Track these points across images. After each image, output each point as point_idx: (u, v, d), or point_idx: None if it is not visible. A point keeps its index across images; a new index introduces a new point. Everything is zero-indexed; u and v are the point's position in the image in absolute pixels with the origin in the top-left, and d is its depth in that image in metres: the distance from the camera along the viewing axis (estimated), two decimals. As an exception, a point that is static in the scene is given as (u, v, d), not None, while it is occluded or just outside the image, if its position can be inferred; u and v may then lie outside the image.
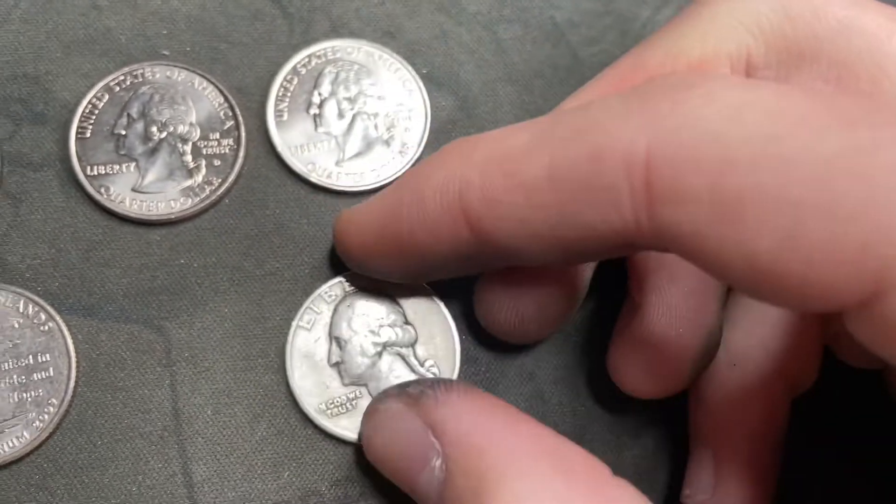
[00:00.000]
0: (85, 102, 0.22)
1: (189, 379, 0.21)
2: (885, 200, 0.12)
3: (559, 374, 0.23)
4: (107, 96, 0.22)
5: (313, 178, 0.22)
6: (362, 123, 0.23)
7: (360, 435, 0.20)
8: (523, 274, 0.19)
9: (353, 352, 0.21)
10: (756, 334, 0.20)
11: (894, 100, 0.17)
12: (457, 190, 0.17)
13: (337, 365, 0.21)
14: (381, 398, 0.19)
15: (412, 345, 0.21)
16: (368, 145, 0.23)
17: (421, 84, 0.24)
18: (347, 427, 0.20)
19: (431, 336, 0.21)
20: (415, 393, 0.18)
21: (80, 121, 0.22)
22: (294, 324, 0.21)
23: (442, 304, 0.21)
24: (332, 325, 0.21)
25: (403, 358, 0.21)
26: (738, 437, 0.19)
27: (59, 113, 0.22)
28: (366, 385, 0.21)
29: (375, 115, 0.23)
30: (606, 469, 0.16)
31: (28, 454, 0.20)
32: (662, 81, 0.15)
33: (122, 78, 0.22)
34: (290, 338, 0.21)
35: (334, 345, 0.21)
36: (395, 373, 0.21)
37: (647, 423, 0.23)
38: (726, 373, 0.20)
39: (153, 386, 0.21)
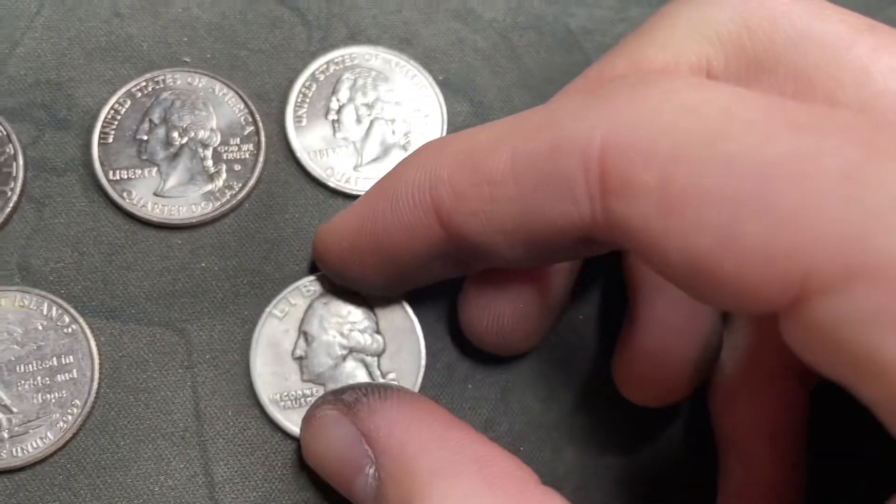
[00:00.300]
0: (107, 108, 0.22)
1: (210, 380, 0.21)
2: (818, 205, 0.12)
3: (574, 378, 0.23)
4: (129, 102, 0.23)
5: (332, 183, 0.23)
6: (380, 129, 0.23)
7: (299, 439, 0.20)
8: (500, 281, 0.20)
9: (319, 350, 0.21)
10: (756, 331, 0.20)
11: (848, 110, 0.16)
12: (427, 186, 0.17)
13: (300, 359, 0.21)
14: (318, 404, 0.19)
15: (378, 355, 0.21)
16: (386, 150, 0.23)
17: (437, 90, 0.24)
18: (296, 423, 0.20)
19: (399, 349, 0.21)
20: (349, 400, 0.18)
21: (103, 126, 0.22)
22: (267, 310, 0.21)
23: (416, 321, 0.22)
24: (303, 320, 0.21)
25: (367, 366, 0.21)
26: (760, 439, 0.19)
27: (82, 118, 0.23)
28: (324, 385, 0.21)
29: (393, 120, 0.24)
30: (534, 478, 0.16)
31: (52, 455, 0.20)
32: (624, 79, 0.16)
33: (143, 84, 0.23)
34: (259, 323, 0.21)
35: (302, 339, 0.21)
36: (355, 379, 0.21)
37: (663, 425, 0.23)
38: (735, 375, 0.20)
39: (175, 387, 0.21)
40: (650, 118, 0.14)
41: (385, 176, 0.19)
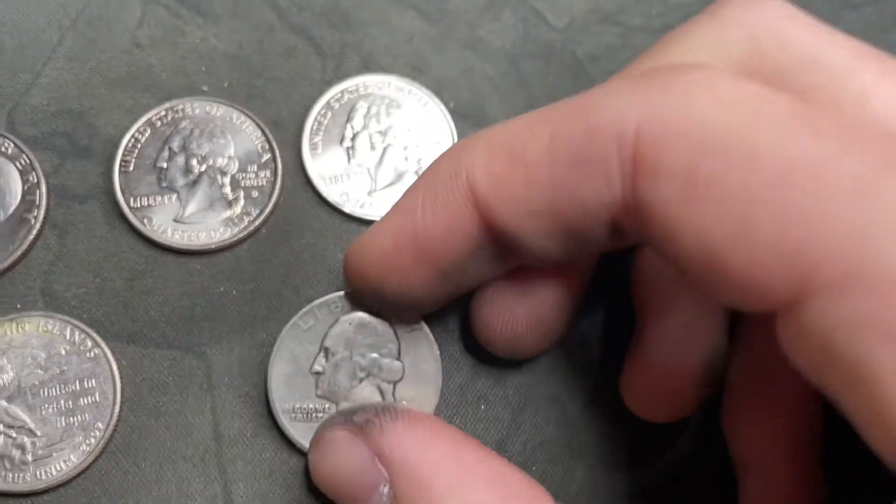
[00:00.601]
0: (128, 137, 0.23)
1: (229, 403, 0.22)
2: (828, 208, 0.13)
3: (583, 396, 0.23)
4: (149, 131, 0.23)
5: (347, 209, 0.23)
6: (393, 155, 0.24)
7: (308, 459, 0.20)
8: (514, 286, 0.20)
9: (338, 368, 0.21)
10: (762, 345, 0.21)
11: (869, 125, 0.17)
12: (464, 174, 0.17)
13: (317, 374, 0.21)
14: (328, 425, 0.19)
15: (395, 381, 0.22)
16: (399, 176, 0.24)
17: (448, 117, 0.25)
18: (304, 436, 0.21)
19: (418, 380, 0.22)
20: (360, 422, 0.18)
21: (124, 155, 0.23)
22: (293, 321, 0.22)
23: (438, 352, 0.22)
24: (326, 335, 0.22)
25: (382, 392, 0.22)
26: (775, 456, 0.20)
27: (103, 147, 0.23)
28: (337, 403, 0.21)
29: (405, 147, 0.24)
30: (548, 497, 0.17)
31: (75, 477, 0.20)
32: (660, 68, 0.16)
33: (163, 113, 0.23)
34: (282, 333, 0.21)
35: (322, 354, 0.21)
36: (369, 401, 0.21)
37: (672, 439, 0.23)
38: (744, 392, 0.21)
39: (195, 410, 0.21)
40: (684, 106, 0.15)
41: (420, 176, 0.19)
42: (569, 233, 0.17)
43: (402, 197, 0.19)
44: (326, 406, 0.21)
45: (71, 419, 0.21)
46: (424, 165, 0.24)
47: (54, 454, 0.20)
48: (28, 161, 0.23)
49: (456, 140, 0.24)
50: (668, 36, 0.20)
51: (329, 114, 0.24)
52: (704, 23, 0.19)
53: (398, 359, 0.22)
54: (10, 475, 0.20)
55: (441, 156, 0.18)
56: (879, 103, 0.17)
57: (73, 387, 0.21)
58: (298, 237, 0.23)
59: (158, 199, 0.23)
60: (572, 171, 0.16)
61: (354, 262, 0.20)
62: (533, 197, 0.16)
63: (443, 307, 0.21)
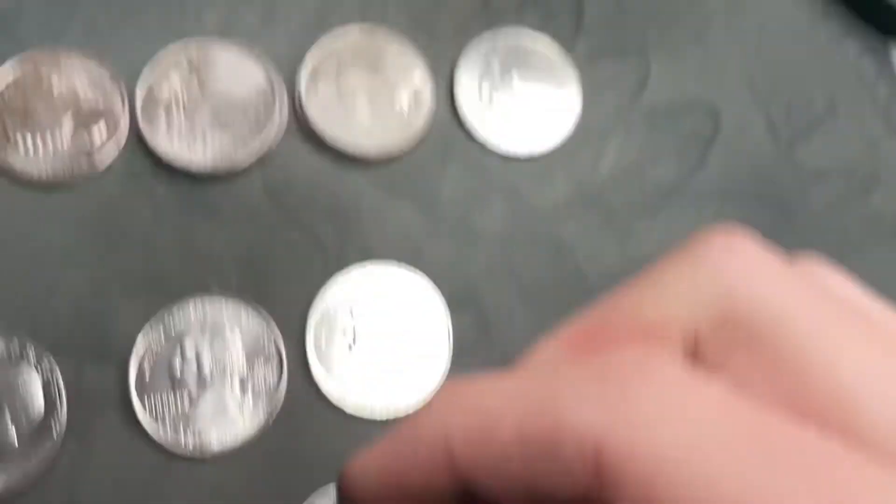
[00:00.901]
0: (142, 340, 0.25)
1: None
2: None
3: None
4: (162, 334, 0.25)
5: (349, 404, 0.25)
6: (392, 345, 0.26)
7: None
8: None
9: None
10: None
11: (822, 447, 0.16)
12: (443, 436, 0.19)
13: None
14: None
15: None
16: (399, 367, 0.25)
17: (443, 304, 0.26)
18: None
19: None
20: None
21: (140, 360, 0.24)
22: None
23: None
24: None
25: None
26: None
27: (119, 350, 0.25)
28: None
29: (403, 334, 0.26)
30: None
31: None
32: (619, 369, 0.18)
33: (174, 313, 0.25)
34: None
35: None
36: None
37: None
38: None
39: None
40: (639, 422, 0.16)
41: (406, 424, 0.21)
42: (536, 495, 0.18)
43: (392, 437, 0.21)
44: None
45: None
46: (423, 353, 0.26)
47: None
48: (49, 368, 0.24)
49: (451, 329, 0.26)
50: (654, 272, 0.21)
51: (331, 308, 0.26)
52: (681, 266, 0.20)
53: None
54: None
55: (425, 408, 0.20)
56: (844, 371, 0.18)
57: None
58: (304, 433, 0.25)
59: (172, 404, 0.24)
60: (539, 462, 0.17)
61: (344, 484, 0.22)
62: (503, 469, 0.18)
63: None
